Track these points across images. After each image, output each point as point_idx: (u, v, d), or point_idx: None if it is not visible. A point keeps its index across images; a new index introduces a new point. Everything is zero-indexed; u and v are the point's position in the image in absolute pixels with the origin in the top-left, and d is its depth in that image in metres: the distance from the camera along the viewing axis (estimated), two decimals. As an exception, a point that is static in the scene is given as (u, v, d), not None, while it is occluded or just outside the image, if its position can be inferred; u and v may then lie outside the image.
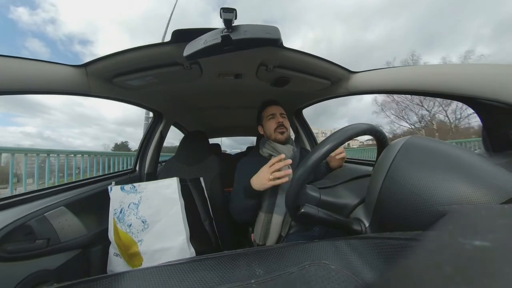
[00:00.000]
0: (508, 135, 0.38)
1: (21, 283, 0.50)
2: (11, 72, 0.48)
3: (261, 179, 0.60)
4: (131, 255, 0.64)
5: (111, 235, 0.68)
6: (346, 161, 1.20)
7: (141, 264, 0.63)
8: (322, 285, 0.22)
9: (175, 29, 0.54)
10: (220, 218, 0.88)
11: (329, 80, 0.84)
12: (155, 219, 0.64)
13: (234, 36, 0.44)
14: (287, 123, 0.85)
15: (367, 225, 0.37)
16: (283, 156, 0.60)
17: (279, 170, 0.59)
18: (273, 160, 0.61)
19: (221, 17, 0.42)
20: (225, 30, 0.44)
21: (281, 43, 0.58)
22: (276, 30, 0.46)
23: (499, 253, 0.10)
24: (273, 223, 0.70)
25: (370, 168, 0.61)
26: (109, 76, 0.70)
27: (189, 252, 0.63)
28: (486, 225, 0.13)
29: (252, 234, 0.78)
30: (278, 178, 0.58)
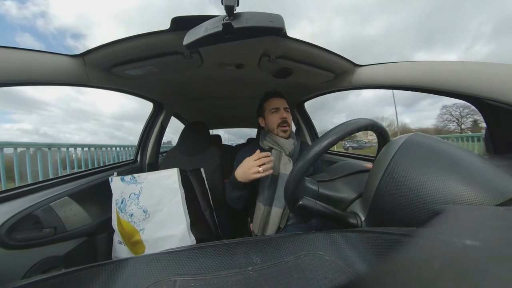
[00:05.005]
0: (510, 138, 0.37)
1: (32, 268, 0.54)
2: (4, 64, 0.47)
3: (247, 172, 0.63)
4: (134, 243, 0.66)
5: (114, 223, 0.70)
6: (345, 156, 1.20)
7: (144, 251, 0.65)
8: (316, 274, 0.23)
9: (174, 16, 0.52)
10: (220, 208, 0.90)
11: (333, 73, 0.82)
12: (156, 208, 0.66)
13: (236, 24, 0.42)
14: (290, 118, 0.83)
15: (363, 219, 0.38)
16: (269, 153, 0.63)
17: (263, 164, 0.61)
18: (260, 154, 0.63)
19: (222, 3, 0.40)
20: (226, 17, 0.42)
21: (285, 33, 0.55)
22: (279, 18, 0.44)
23: (488, 253, 0.10)
24: (272, 215, 0.71)
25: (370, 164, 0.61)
26: (108, 66, 0.68)
27: (189, 240, 0.65)
28: (479, 226, 0.13)
29: (251, 224, 0.80)
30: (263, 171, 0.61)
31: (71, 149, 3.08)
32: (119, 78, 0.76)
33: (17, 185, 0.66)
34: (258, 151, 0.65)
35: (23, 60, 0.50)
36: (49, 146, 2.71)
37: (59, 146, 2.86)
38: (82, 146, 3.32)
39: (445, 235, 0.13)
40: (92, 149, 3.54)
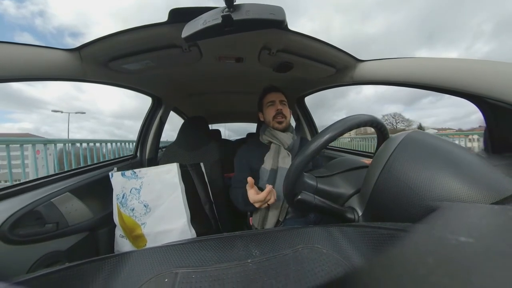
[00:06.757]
0: (509, 137, 0.37)
1: (36, 263, 0.55)
2: None
3: (254, 203, 0.60)
4: (136, 237, 0.67)
5: (116, 218, 0.71)
6: (344, 152, 1.21)
7: (145, 245, 0.66)
8: (313, 266, 0.24)
9: (172, 8, 0.50)
10: (220, 202, 0.91)
11: (335, 68, 0.81)
12: (157, 203, 0.67)
13: (236, 16, 0.41)
14: (286, 111, 0.83)
15: (360, 214, 0.39)
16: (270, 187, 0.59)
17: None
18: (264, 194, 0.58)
19: None
20: (226, 9, 0.41)
21: (286, 25, 0.54)
22: (281, 10, 0.42)
23: (481, 251, 0.10)
24: (271, 208, 0.72)
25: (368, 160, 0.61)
26: (104, 60, 0.67)
27: (190, 233, 0.66)
28: (473, 223, 0.13)
29: (250, 218, 0.82)
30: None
31: (103, 144, 3.75)
32: (116, 72, 0.75)
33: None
34: (268, 188, 0.58)
35: (17, 55, 0.48)
36: (86, 142, 3.39)
37: (94, 142, 3.55)
38: (111, 141, 3.96)
39: (440, 231, 0.13)
40: (118, 144, 4.18)
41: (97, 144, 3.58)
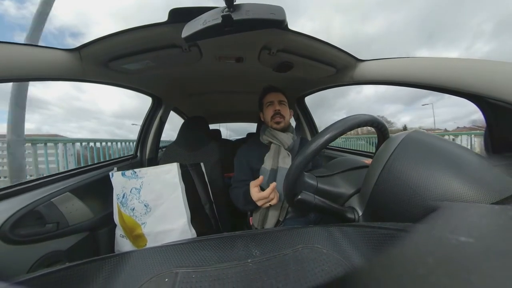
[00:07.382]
0: (509, 137, 0.37)
1: (36, 262, 0.55)
2: None
3: (257, 200, 0.61)
4: (136, 237, 0.67)
5: (116, 218, 0.71)
6: (344, 152, 1.21)
7: (146, 244, 0.66)
8: (313, 266, 0.24)
9: (172, 8, 0.50)
10: (220, 202, 0.91)
11: (335, 68, 0.81)
12: (157, 203, 0.67)
13: (236, 16, 0.41)
14: (285, 111, 0.83)
15: (360, 214, 0.39)
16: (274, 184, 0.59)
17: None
18: (267, 192, 0.59)
19: None
20: (226, 9, 0.41)
21: (286, 25, 0.54)
22: (281, 10, 0.42)
23: (481, 250, 0.10)
24: (271, 208, 0.72)
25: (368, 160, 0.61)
26: (104, 60, 0.67)
27: (190, 233, 0.66)
28: (473, 223, 0.13)
29: (250, 218, 0.82)
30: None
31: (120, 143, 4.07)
32: (116, 72, 0.75)
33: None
34: (271, 185, 0.59)
35: (17, 55, 0.48)
36: (107, 141, 3.73)
37: (114, 141, 3.92)
38: (119, 141, 4.17)
39: (440, 231, 0.13)
40: (124, 143, 4.39)
41: (109, 143, 3.88)
